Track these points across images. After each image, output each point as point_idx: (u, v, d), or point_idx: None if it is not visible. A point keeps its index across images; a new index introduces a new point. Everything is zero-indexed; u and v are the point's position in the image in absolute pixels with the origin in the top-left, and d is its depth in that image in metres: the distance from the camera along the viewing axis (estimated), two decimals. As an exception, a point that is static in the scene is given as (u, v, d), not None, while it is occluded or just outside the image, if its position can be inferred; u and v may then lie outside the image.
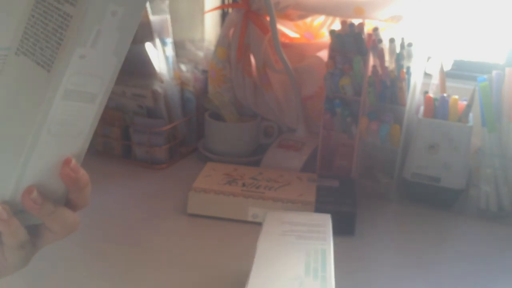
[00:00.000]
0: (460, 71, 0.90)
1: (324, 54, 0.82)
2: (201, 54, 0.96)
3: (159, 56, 0.85)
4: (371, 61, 0.73)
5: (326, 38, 0.86)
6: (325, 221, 0.51)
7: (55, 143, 0.35)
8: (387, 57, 0.72)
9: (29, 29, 0.34)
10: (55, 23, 0.32)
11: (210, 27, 1.10)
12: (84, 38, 0.32)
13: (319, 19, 0.86)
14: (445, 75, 0.75)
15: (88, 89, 0.34)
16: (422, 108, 0.74)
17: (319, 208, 0.65)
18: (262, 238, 0.48)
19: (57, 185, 0.37)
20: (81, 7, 0.31)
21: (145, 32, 0.84)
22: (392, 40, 0.71)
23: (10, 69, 0.34)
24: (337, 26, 0.83)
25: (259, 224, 0.52)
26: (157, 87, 0.83)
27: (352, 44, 0.74)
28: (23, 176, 0.35)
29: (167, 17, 0.88)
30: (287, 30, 0.89)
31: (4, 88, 0.34)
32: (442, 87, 0.75)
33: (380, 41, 0.72)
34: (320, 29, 0.87)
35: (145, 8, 0.83)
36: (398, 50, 0.72)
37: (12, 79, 0.34)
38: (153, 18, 0.84)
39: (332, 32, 0.75)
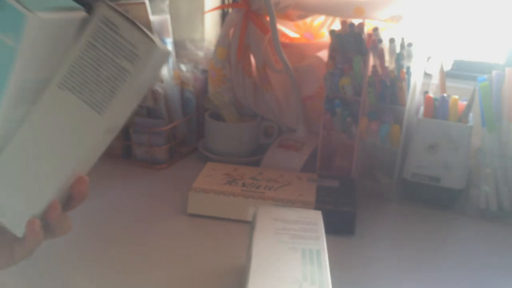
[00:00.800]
0: (460, 71, 0.90)
1: (324, 54, 0.82)
2: (201, 54, 0.96)
3: (159, 56, 0.85)
4: (371, 61, 0.73)
5: (326, 38, 0.86)
6: (317, 219, 0.51)
7: (84, 168, 0.40)
8: (387, 57, 0.72)
9: (77, 69, 0.36)
10: (109, 72, 0.35)
11: (210, 27, 1.10)
12: (142, 95, 0.39)
13: (319, 19, 0.86)
14: (445, 75, 0.75)
15: (119, 125, 0.40)
16: (422, 108, 0.74)
17: (319, 208, 0.65)
18: (257, 237, 0.47)
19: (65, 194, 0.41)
20: (138, 66, 0.35)
21: (145, 32, 0.84)
22: (392, 40, 0.71)
23: (50, 100, 0.37)
24: (337, 26, 0.83)
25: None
26: (157, 87, 0.83)
27: (352, 44, 0.74)
28: (54, 197, 0.39)
29: (167, 17, 0.88)
30: (287, 30, 0.89)
31: (41, 118, 0.37)
32: (442, 87, 0.75)
33: (380, 41, 0.72)
34: (320, 29, 0.87)
35: (145, 10, 0.83)
36: (398, 50, 0.72)
37: (52, 111, 0.37)
38: (153, 18, 0.84)
39: (332, 32, 0.75)
